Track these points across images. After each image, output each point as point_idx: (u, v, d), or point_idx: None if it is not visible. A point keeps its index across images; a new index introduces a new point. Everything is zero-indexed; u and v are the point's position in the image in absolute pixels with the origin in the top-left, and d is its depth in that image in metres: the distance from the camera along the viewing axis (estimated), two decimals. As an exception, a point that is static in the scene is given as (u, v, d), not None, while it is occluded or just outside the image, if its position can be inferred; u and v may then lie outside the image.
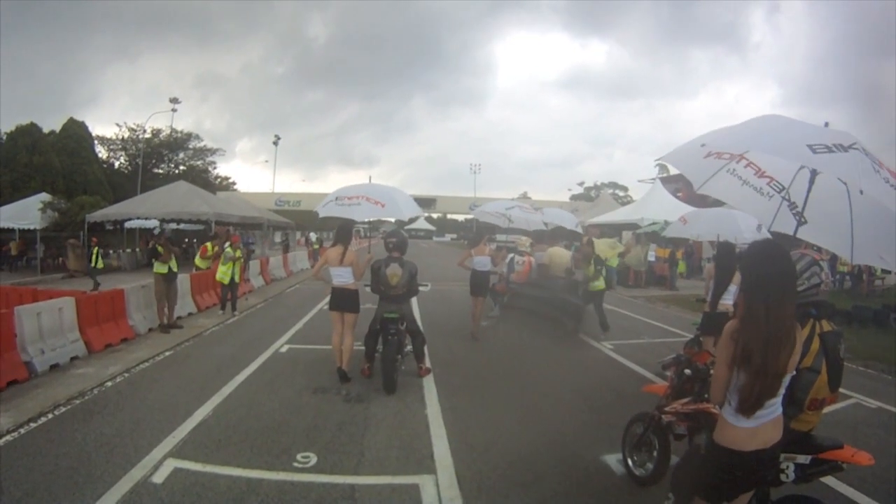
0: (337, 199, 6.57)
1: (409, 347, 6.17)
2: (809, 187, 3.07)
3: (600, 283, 8.86)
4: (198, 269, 11.88)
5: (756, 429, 2.18)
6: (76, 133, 31.69)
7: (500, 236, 22.62)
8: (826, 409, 2.78)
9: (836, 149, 2.76)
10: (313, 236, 29.86)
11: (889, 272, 19.97)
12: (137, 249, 22.94)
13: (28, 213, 19.75)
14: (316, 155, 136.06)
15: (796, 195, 3.32)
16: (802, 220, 3.65)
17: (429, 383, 5.91)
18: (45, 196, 21.01)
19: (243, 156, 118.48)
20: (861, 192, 2.71)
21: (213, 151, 47.04)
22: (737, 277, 5.43)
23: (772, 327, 2.11)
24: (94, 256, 14.71)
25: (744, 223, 6.02)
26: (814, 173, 3.03)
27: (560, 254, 10.44)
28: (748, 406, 2.14)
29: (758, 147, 3.33)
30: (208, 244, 12.41)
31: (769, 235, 3.89)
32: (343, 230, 6.14)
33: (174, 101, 42.57)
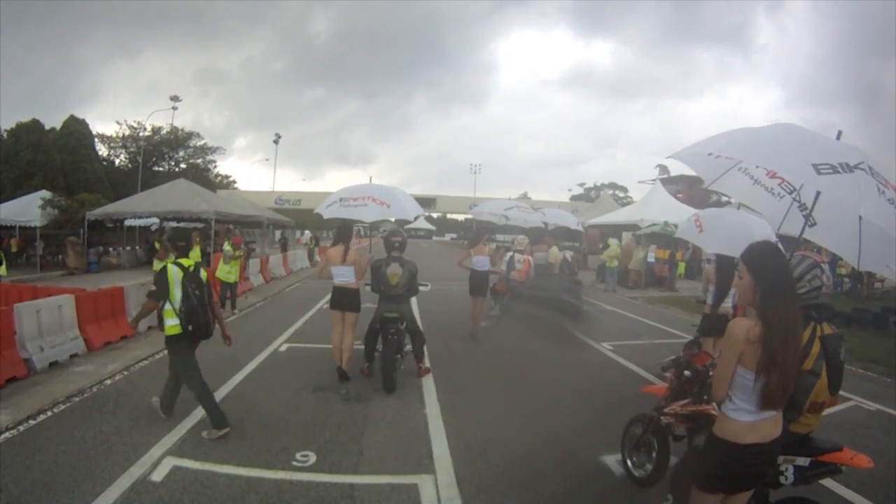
0: (341, 200, 6.58)
1: (408, 347, 6.17)
2: (818, 193, 3.06)
3: None
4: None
5: (755, 423, 2.22)
6: (77, 130, 31.74)
7: (500, 236, 22.66)
8: (825, 412, 2.76)
9: (842, 168, 2.77)
10: (307, 235, 29.88)
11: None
12: (137, 247, 22.94)
13: (28, 210, 19.73)
14: (312, 153, 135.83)
15: (807, 196, 3.32)
16: (812, 221, 3.64)
17: (428, 383, 5.91)
18: (45, 193, 21.01)
19: (240, 153, 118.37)
20: (860, 218, 2.70)
21: (213, 150, 47.15)
22: (736, 280, 5.43)
23: (790, 321, 2.16)
24: None
25: (758, 232, 5.96)
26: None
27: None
28: (776, 402, 2.19)
29: (764, 161, 3.33)
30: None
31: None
32: (344, 229, 6.14)
33: (175, 98, 42.68)
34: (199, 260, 4.64)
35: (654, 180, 30.57)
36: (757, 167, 3.58)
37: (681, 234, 6.50)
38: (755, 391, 2.18)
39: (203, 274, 4.55)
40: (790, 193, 3.38)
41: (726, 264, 5.62)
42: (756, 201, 4.16)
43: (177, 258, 4.53)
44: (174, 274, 4.33)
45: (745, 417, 2.22)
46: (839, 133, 3.30)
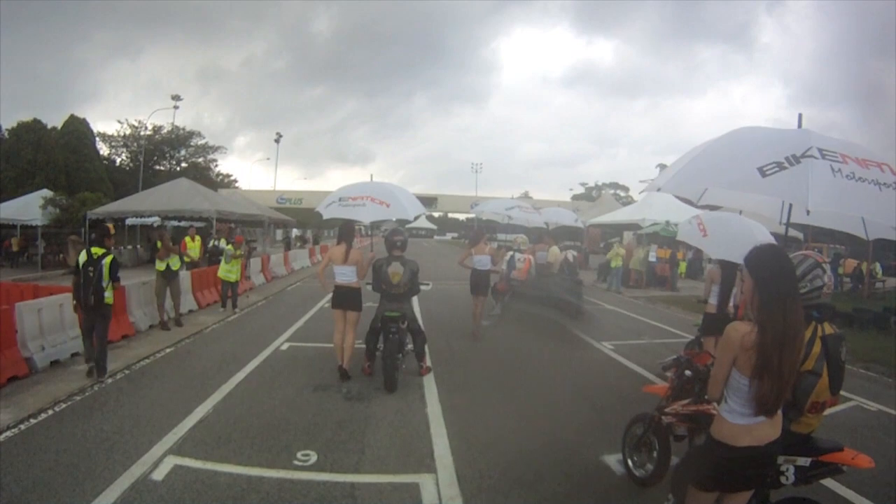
0: (340, 199, 6.50)
1: (409, 346, 6.17)
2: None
3: None
4: (190, 262, 12.01)
5: (749, 426, 2.20)
6: (77, 129, 31.77)
7: (501, 235, 22.67)
8: (826, 412, 2.76)
9: (789, 162, 2.71)
10: (295, 232, 29.91)
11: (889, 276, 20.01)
12: (139, 246, 22.98)
13: (30, 209, 19.78)
14: (313, 152, 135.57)
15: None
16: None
17: (429, 382, 5.91)
18: (46, 192, 21.04)
19: (241, 152, 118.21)
20: (808, 213, 2.68)
21: (214, 149, 47.20)
22: (738, 281, 5.43)
23: (789, 326, 2.11)
24: None
25: (762, 238, 5.99)
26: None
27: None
28: (769, 408, 2.16)
29: (714, 183, 3.34)
30: (186, 238, 12.43)
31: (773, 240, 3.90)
32: (346, 229, 6.14)
33: (175, 97, 42.67)
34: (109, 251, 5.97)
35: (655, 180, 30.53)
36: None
37: (683, 237, 6.35)
38: (749, 396, 2.17)
39: (106, 261, 5.75)
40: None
41: (730, 264, 5.63)
42: (747, 201, 4.17)
43: (90, 247, 5.84)
44: (81, 258, 5.70)
45: (739, 420, 2.21)
46: (800, 116, 3.31)
